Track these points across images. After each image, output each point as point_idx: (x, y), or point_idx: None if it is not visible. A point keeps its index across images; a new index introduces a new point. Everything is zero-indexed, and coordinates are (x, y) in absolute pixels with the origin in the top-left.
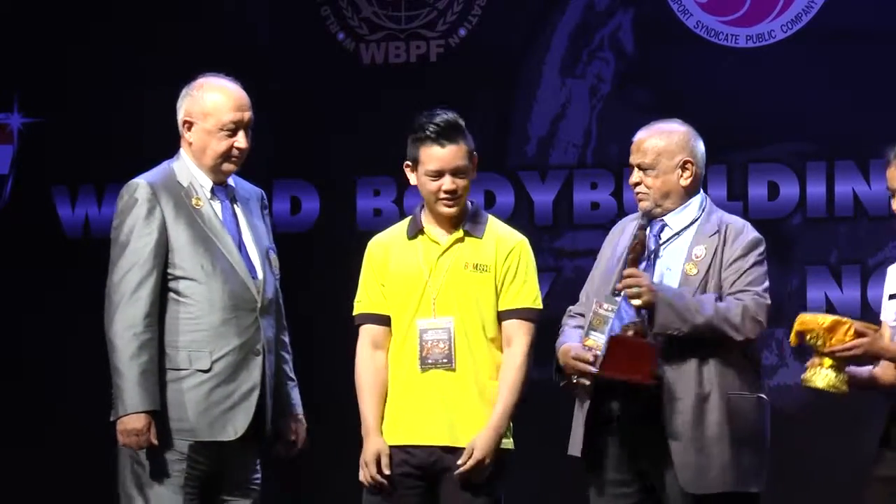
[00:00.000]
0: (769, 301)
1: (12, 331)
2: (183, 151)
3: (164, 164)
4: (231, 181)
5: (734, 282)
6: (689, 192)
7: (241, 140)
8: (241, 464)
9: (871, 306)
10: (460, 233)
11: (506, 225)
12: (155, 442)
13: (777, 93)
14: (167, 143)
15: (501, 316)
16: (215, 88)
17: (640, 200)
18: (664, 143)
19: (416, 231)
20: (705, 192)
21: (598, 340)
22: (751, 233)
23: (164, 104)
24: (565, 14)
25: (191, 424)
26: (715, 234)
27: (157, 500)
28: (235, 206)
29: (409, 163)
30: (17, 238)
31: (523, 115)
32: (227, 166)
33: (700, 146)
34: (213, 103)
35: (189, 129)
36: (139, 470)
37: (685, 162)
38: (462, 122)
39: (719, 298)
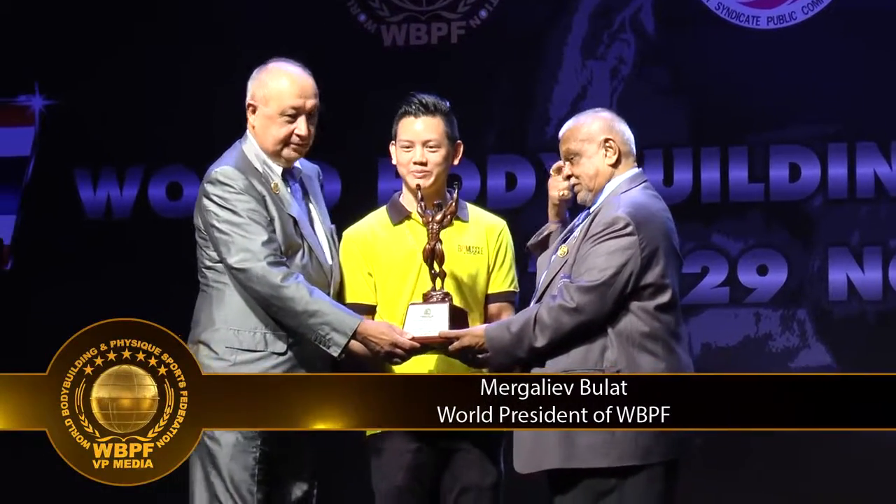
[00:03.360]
0: (598, 279)
1: (33, 312)
2: (249, 134)
3: (237, 147)
4: (297, 162)
5: (573, 266)
6: (615, 170)
7: (301, 127)
8: (302, 447)
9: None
10: None
11: (483, 209)
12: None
13: (798, 74)
14: (182, 126)
15: (489, 298)
16: (280, 73)
17: (577, 192)
18: (585, 127)
19: (401, 217)
20: (641, 171)
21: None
22: (613, 212)
23: (179, 88)
24: None
25: None
26: (592, 211)
27: (231, 480)
28: (304, 187)
29: (393, 141)
30: (38, 219)
31: (544, 96)
32: (287, 153)
33: (620, 127)
34: (276, 88)
35: (253, 112)
36: (215, 448)
37: (606, 140)
38: (446, 105)
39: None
